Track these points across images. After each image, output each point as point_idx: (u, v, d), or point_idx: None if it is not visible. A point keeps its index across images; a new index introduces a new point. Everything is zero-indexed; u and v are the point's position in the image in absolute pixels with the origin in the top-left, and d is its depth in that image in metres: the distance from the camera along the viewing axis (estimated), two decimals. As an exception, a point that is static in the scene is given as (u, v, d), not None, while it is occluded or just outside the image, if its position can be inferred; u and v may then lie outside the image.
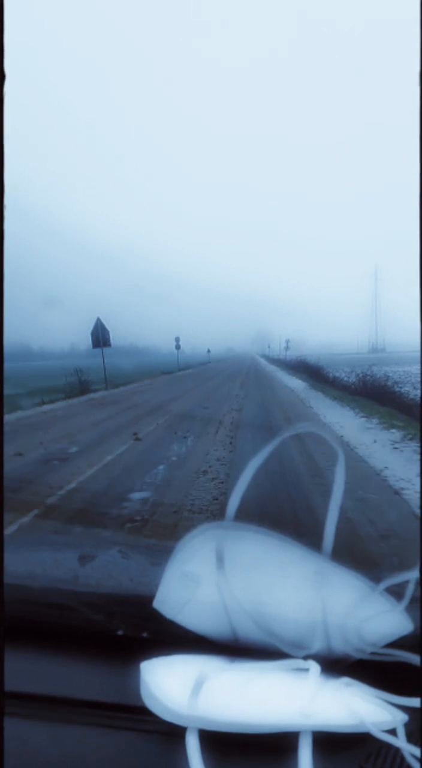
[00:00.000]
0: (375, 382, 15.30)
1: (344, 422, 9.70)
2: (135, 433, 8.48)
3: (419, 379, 16.42)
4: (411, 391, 12.84)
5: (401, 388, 13.41)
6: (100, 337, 21.72)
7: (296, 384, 20.44)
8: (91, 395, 18.52)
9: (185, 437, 8.23)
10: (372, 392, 14.01)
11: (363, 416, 10.68)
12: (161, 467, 6.17)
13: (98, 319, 21.84)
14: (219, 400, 14.11)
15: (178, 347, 40.44)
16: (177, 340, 40.21)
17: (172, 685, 0.60)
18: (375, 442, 7.66)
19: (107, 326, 22.28)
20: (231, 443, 7.53)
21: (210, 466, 6.13)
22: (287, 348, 46.08)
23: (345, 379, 20.25)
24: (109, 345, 22.07)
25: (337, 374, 22.49)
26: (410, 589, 0.63)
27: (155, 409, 12.42)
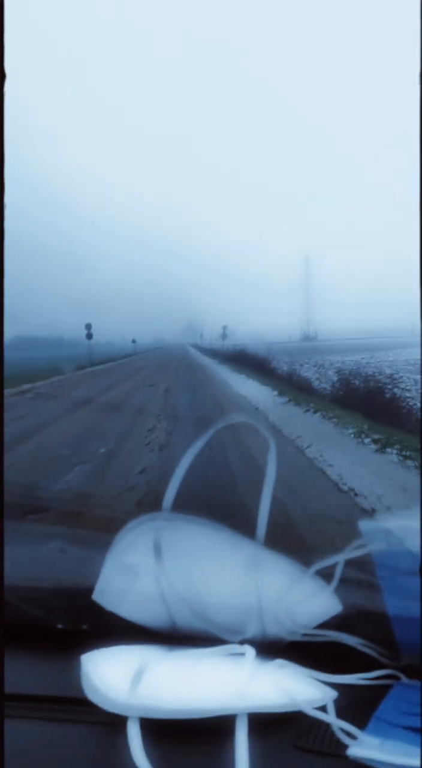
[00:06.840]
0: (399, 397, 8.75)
1: None
2: None
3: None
4: None
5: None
6: None
7: (251, 390, 13.13)
8: None
9: None
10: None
11: None
12: None
13: None
14: (113, 449, 6.65)
15: (89, 336, 31.95)
16: (88, 327, 31.73)
17: (113, 675, 0.61)
18: None
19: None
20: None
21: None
22: (224, 336, 39.86)
23: (316, 379, 13.68)
24: None
25: (291, 368, 16.56)
26: (338, 572, 0.65)
27: None
